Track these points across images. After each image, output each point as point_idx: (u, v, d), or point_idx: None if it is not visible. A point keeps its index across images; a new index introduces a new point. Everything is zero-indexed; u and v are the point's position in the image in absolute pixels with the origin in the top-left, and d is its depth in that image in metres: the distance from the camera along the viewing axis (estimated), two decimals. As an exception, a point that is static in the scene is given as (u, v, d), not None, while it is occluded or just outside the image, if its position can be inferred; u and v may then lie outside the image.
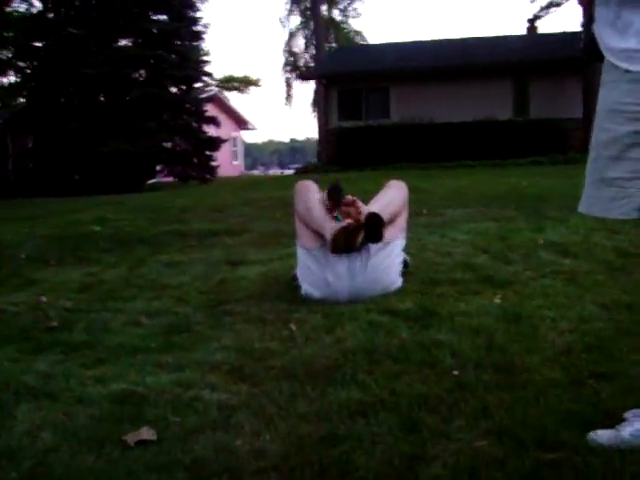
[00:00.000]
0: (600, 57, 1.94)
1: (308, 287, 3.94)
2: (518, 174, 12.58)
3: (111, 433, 2.22)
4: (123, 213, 9.32)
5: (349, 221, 3.72)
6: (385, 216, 3.79)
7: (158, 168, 20.99)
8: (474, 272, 4.26)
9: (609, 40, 1.92)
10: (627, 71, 1.85)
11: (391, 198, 4.11)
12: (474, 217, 6.49)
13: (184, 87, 21.69)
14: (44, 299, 4.27)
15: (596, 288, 3.75)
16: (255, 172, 43.53)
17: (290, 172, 31.73)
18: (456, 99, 21.80)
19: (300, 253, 4.06)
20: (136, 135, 18.71)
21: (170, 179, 21.28)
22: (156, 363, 2.97)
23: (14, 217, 9.99)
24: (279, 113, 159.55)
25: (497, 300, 3.60)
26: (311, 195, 4.11)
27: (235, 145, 39.67)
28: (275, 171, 45.31)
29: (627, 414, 2.08)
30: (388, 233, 3.87)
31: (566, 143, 20.12)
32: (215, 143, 21.81)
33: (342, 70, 24.45)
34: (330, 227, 3.76)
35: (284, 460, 2.00)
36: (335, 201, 3.92)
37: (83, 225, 7.92)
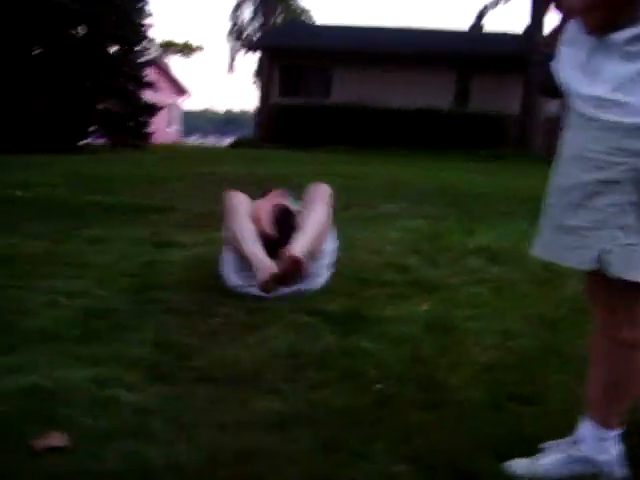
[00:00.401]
0: (556, 94, 1.89)
1: (233, 278, 3.86)
2: (454, 167, 12.72)
3: (19, 435, 2.11)
4: (50, 178, 9.03)
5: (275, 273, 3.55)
6: (312, 251, 3.74)
7: (91, 130, 20.42)
8: (403, 274, 4.25)
9: (577, 85, 1.85)
10: (595, 119, 1.80)
11: (318, 222, 3.90)
12: (407, 213, 6.51)
13: (123, 49, 21.13)
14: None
15: (523, 300, 3.78)
16: (190, 140, 42.85)
17: (226, 142, 31.34)
18: (399, 86, 21.93)
19: (226, 247, 3.97)
20: (70, 94, 18.16)
21: (102, 142, 20.75)
22: (72, 354, 2.85)
23: None
24: (219, 82, 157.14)
25: (425, 307, 3.59)
26: (242, 221, 3.89)
27: (172, 112, 38.97)
28: (211, 140, 44.72)
29: (544, 445, 2.09)
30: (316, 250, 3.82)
31: (503, 138, 20.48)
32: (152, 109, 21.36)
33: (287, 45, 24.25)
34: (262, 269, 3.59)
35: (198, 476, 1.94)
36: (283, 236, 3.80)
37: (6, 188, 7.62)
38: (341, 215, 6.11)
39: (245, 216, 3.90)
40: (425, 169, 12.30)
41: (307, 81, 23.65)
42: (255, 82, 26.58)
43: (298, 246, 3.64)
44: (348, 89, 22.33)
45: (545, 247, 1.95)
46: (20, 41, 17.86)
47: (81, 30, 19.84)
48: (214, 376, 2.64)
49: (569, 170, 1.87)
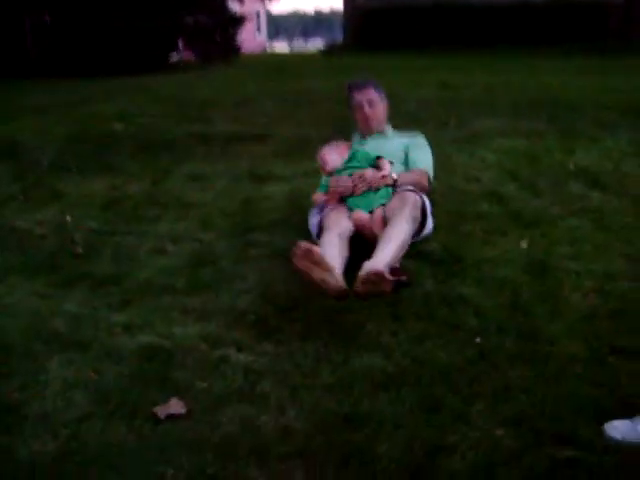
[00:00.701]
0: None
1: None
2: (551, 69, 12.18)
3: (140, 400, 2.28)
4: (145, 106, 9.19)
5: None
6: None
7: (180, 45, 20.50)
8: (501, 205, 4.20)
9: None
10: None
11: (402, 234, 3.23)
12: (504, 130, 6.35)
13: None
14: (69, 219, 4.29)
15: (624, 233, 3.69)
16: (278, 45, 42.38)
17: (315, 45, 30.69)
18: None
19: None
20: (157, 10, 18.16)
21: (191, 58, 20.79)
22: (182, 308, 3.01)
23: (32, 107, 9.83)
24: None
25: (523, 245, 3.56)
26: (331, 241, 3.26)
27: (258, 18, 38.53)
28: (299, 44, 44.12)
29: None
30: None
31: (605, 27, 19.30)
32: (239, 20, 21.21)
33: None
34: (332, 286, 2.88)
35: (308, 442, 2.05)
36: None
37: (104, 122, 7.83)
38: (439, 135, 6.04)
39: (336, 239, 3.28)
40: (521, 73, 11.82)
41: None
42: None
43: (380, 260, 3.03)
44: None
45: None
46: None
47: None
48: (318, 331, 2.73)
49: None
